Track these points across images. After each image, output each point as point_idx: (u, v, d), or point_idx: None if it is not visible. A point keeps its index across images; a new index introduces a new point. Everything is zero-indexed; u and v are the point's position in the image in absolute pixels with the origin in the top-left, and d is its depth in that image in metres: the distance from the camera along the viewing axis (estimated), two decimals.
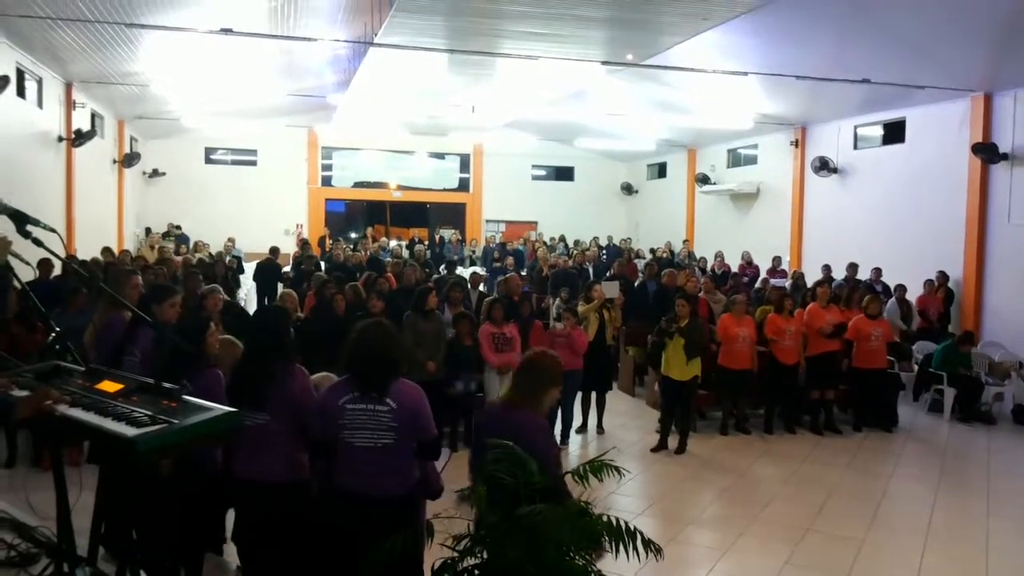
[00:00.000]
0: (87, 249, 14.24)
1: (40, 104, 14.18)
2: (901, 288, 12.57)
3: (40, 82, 14.08)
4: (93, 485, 3.42)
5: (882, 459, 8.52)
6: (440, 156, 26.35)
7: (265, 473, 3.92)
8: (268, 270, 14.83)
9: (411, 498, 3.73)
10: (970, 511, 6.99)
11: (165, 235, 20.48)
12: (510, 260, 17.06)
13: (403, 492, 3.68)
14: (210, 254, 16.16)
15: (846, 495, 7.23)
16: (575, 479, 3.38)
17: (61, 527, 2.95)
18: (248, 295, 15.07)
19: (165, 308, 4.86)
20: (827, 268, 14.26)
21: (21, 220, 3.04)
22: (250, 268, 16.06)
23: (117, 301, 4.56)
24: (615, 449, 7.97)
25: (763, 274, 15.83)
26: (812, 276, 14.26)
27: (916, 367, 11.08)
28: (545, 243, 21.35)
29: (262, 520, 3.97)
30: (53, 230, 3.10)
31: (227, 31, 10.24)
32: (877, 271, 13.61)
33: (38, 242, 3.08)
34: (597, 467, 3.42)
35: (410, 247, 19.82)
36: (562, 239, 22.69)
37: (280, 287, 13.55)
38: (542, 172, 26.82)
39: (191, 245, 18.64)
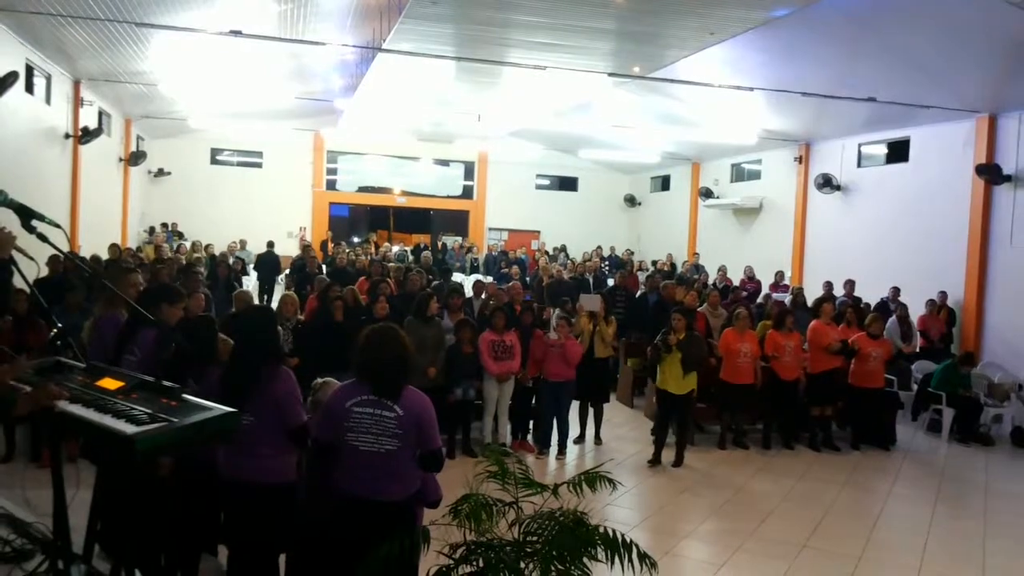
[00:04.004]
0: (91, 246, 14.26)
1: (48, 101, 14.23)
2: (903, 307, 12.55)
3: (48, 79, 14.13)
4: (90, 482, 3.41)
5: (879, 477, 8.50)
6: (445, 163, 26.43)
7: (246, 473, 3.93)
8: (267, 262, 14.88)
9: (409, 505, 3.71)
10: (966, 531, 6.96)
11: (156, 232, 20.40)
12: (515, 269, 17.03)
13: (402, 499, 3.66)
14: (213, 256, 16.14)
15: (843, 512, 7.20)
16: (570, 490, 3.37)
17: (57, 524, 2.95)
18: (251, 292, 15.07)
19: (175, 310, 4.85)
20: (828, 285, 14.23)
21: (26, 215, 3.05)
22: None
23: (117, 298, 4.54)
24: (612, 461, 7.99)
25: (765, 289, 15.82)
26: (813, 292, 14.23)
27: (915, 387, 11.06)
28: (547, 253, 21.35)
29: (245, 520, 3.96)
30: (58, 225, 3.09)
31: (236, 33, 10.29)
32: (895, 290, 13.38)
33: (43, 237, 3.08)
34: (592, 478, 3.42)
35: (415, 253, 19.79)
36: (562, 249, 22.67)
37: (281, 279, 13.60)
38: (546, 182, 26.89)
39: (175, 247, 18.34)
